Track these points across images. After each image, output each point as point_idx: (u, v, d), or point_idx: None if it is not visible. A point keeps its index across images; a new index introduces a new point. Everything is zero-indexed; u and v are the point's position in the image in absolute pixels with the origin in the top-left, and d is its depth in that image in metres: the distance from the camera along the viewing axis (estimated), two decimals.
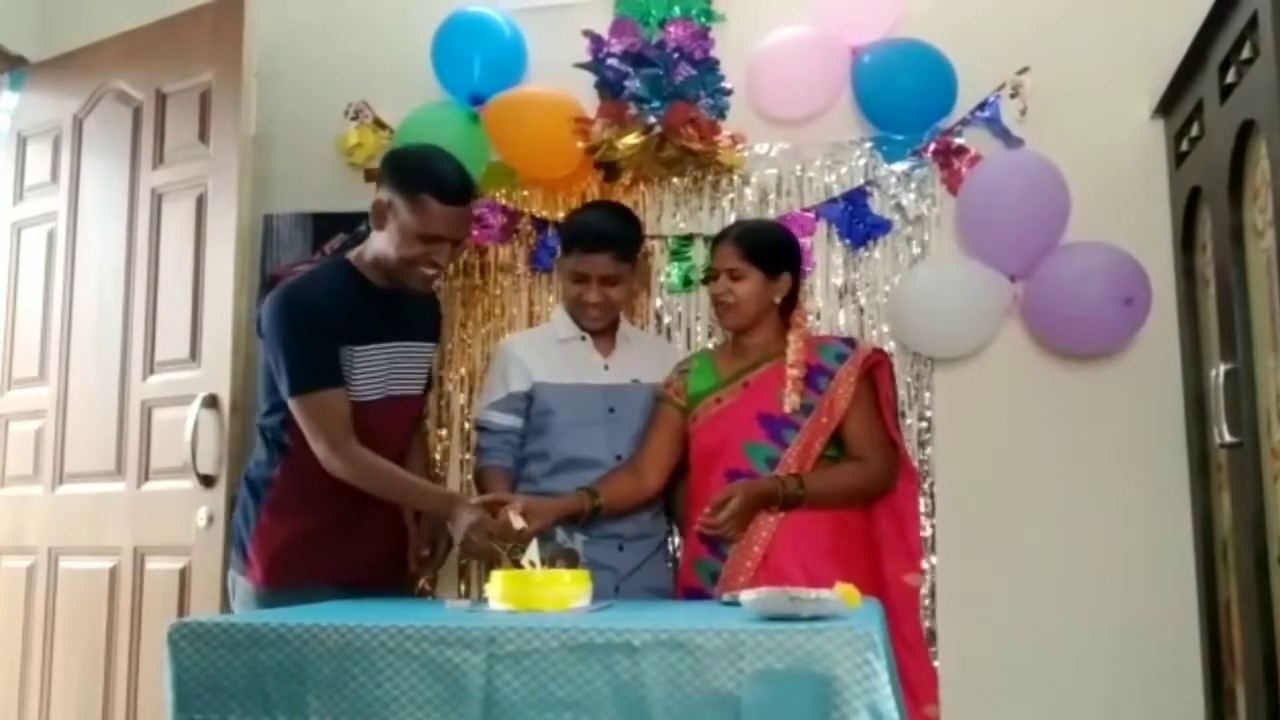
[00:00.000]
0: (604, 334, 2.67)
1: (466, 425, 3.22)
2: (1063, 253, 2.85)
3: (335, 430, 2.27)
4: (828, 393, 2.48)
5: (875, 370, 2.54)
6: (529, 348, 2.66)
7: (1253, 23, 2.16)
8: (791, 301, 2.61)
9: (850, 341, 2.62)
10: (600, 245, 2.55)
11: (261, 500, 2.41)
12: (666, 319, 3.14)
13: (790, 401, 2.46)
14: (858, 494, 2.49)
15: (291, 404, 2.30)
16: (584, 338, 2.64)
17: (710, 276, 2.62)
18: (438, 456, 3.18)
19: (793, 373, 2.48)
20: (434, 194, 2.29)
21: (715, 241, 2.67)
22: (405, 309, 2.46)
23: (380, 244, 2.37)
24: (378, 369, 2.39)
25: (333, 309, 2.33)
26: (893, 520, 2.55)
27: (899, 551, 2.53)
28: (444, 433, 3.22)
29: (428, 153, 2.41)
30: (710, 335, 3.08)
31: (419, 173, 2.32)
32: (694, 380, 2.61)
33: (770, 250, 2.57)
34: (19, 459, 3.32)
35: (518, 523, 2.19)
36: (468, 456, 3.20)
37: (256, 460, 2.46)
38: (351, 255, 2.48)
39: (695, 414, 2.57)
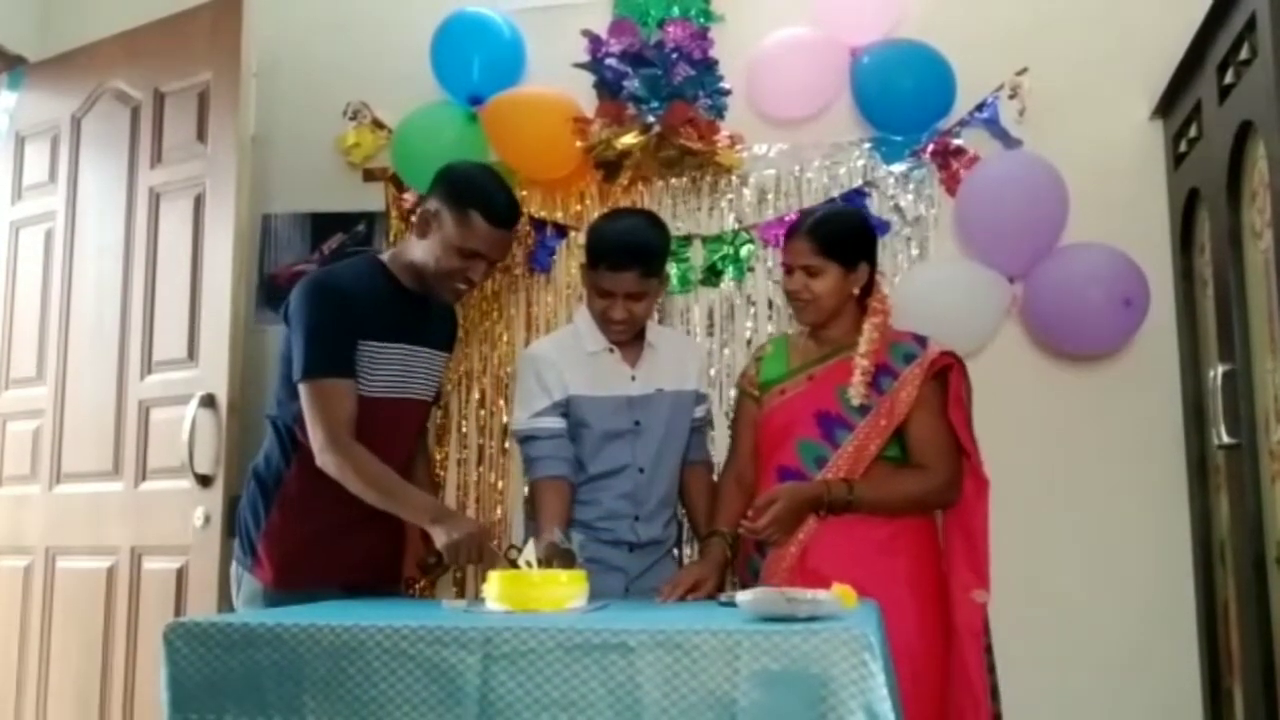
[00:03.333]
0: (630, 343, 2.59)
1: (464, 425, 3.22)
2: (1061, 254, 2.85)
3: (336, 421, 2.27)
4: (889, 394, 2.37)
5: (946, 373, 2.43)
6: (561, 357, 2.56)
7: (1251, 24, 2.16)
8: (868, 289, 2.49)
9: (922, 340, 2.47)
10: (626, 263, 2.45)
11: (272, 497, 2.40)
12: (666, 320, 3.13)
13: (858, 395, 2.36)
14: (915, 503, 2.38)
15: (301, 388, 2.31)
16: (612, 350, 2.56)
17: (783, 270, 2.51)
18: (438, 456, 3.18)
19: (863, 363, 2.37)
20: (482, 212, 2.33)
21: (787, 235, 2.54)
22: (428, 315, 2.48)
23: (419, 252, 2.40)
24: (391, 368, 2.39)
25: (358, 301, 2.35)
26: (961, 532, 2.42)
27: (965, 565, 2.40)
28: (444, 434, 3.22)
29: (482, 172, 2.47)
30: (710, 335, 3.10)
31: (471, 190, 2.36)
32: (766, 367, 2.56)
33: (846, 241, 2.44)
34: (16, 458, 3.32)
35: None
36: (465, 456, 3.21)
37: (267, 455, 2.45)
38: (385, 256, 2.51)
39: (763, 402, 2.51)
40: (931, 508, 2.43)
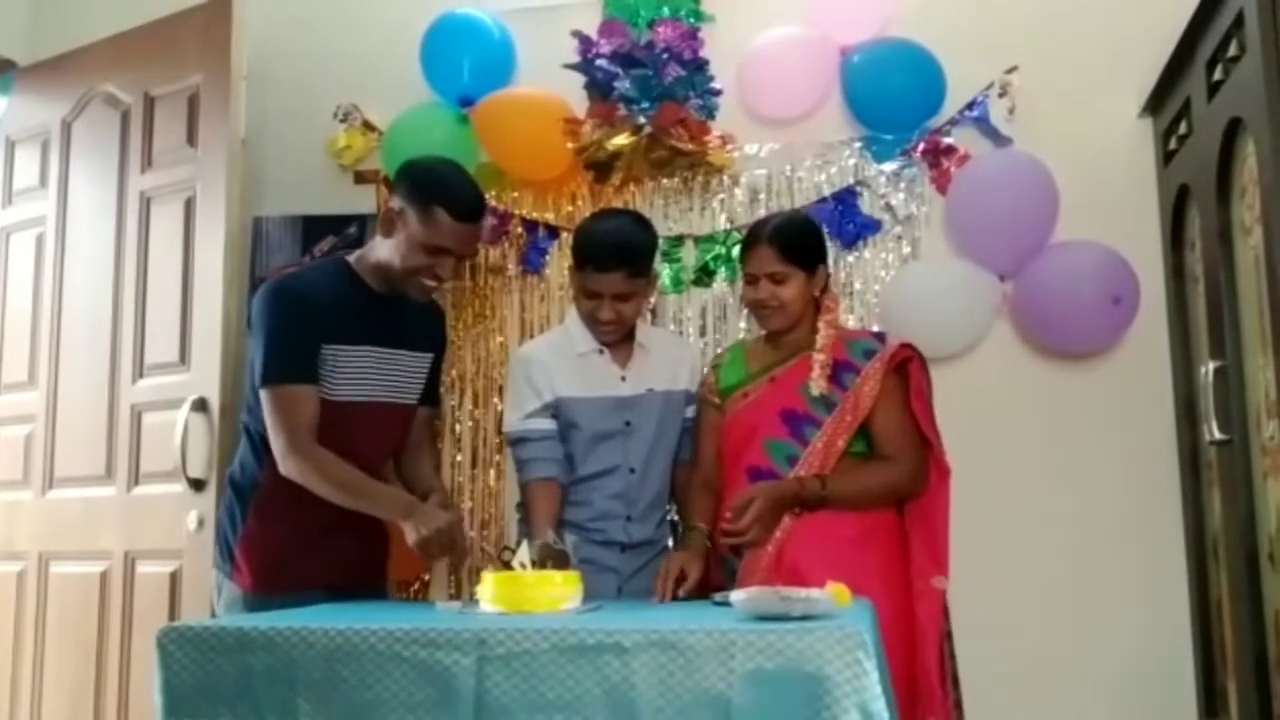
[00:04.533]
0: (620, 343, 2.59)
1: (458, 427, 3.22)
2: (1052, 252, 2.86)
3: (297, 427, 2.24)
4: (853, 389, 2.39)
5: (906, 365, 2.44)
6: (552, 358, 2.56)
7: (1239, 20, 2.16)
8: (821, 289, 2.52)
9: (880, 336, 2.54)
10: (612, 264, 2.43)
11: (248, 503, 2.38)
12: (659, 321, 3.13)
13: (818, 386, 2.38)
14: (886, 494, 2.41)
15: (261, 394, 2.28)
16: (602, 351, 2.56)
17: (746, 280, 2.51)
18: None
19: (819, 357, 2.40)
20: (446, 208, 2.28)
21: (745, 245, 2.53)
22: (400, 316, 2.42)
23: (385, 251, 2.35)
24: (360, 371, 2.35)
25: (320, 304, 2.31)
26: (922, 520, 2.43)
27: (925, 552, 2.41)
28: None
29: (445, 167, 2.41)
30: (703, 335, 3.10)
31: (434, 185, 2.32)
32: (725, 374, 2.57)
33: (806, 246, 2.47)
34: (9, 464, 3.31)
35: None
36: (459, 458, 3.21)
37: (242, 461, 2.43)
38: (352, 257, 2.46)
39: (725, 408, 2.53)
40: (900, 497, 2.45)
